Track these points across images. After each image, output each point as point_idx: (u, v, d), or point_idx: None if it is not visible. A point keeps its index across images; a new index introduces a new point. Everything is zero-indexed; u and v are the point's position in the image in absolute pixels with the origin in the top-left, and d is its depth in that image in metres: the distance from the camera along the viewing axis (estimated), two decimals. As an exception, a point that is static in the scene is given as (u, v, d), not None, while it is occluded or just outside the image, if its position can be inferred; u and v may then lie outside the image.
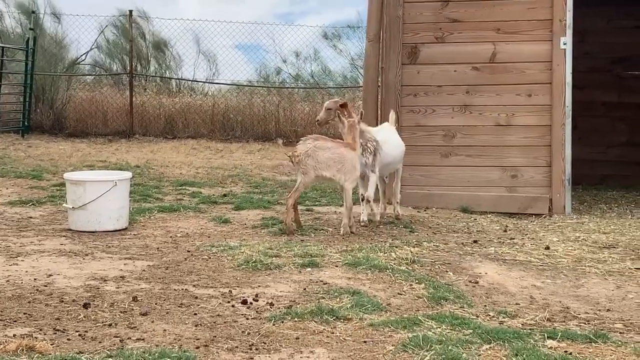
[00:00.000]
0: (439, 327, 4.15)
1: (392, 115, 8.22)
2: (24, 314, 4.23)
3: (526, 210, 8.72)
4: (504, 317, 4.45)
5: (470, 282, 5.36)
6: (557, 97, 8.74)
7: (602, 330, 4.23)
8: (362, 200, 7.48)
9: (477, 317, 4.43)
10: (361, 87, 12.96)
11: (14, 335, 3.82)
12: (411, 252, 6.13)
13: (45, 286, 4.85)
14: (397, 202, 7.95)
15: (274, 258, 5.75)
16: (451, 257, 6.13)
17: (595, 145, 12.03)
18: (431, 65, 9.08)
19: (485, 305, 4.74)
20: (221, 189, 9.90)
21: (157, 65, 21.31)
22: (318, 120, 7.59)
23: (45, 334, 3.88)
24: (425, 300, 4.76)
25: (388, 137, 7.64)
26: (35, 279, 5.02)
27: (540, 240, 7.03)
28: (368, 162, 7.28)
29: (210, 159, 13.61)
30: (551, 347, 3.87)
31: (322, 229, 7.18)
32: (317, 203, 8.85)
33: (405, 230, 7.33)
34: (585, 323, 4.43)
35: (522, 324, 4.33)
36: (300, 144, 6.97)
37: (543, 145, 8.82)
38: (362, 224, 7.38)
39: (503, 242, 6.89)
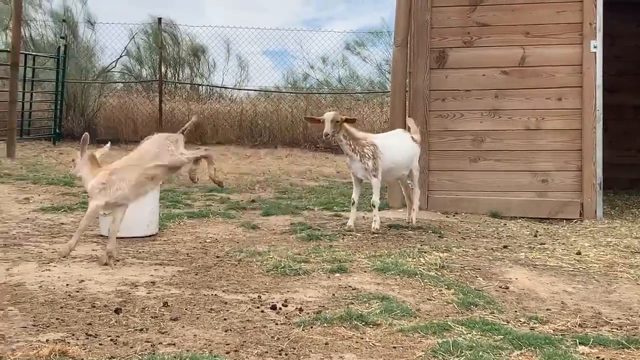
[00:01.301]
0: (469, 333, 4.13)
1: (409, 121, 8.18)
2: (57, 319, 4.27)
3: (557, 215, 8.65)
4: (535, 323, 4.42)
5: (500, 287, 5.32)
6: (588, 101, 8.67)
7: (634, 335, 4.18)
8: (372, 206, 7.42)
9: (508, 322, 4.41)
10: (389, 92, 12.95)
11: (47, 341, 3.85)
12: (440, 258, 6.11)
13: (77, 292, 4.89)
14: (414, 209, 7.83)
15: (302, 263, 5.76)
16: (481, 263, 6.10)
17: (626, 149, 11.93)
18: (459, 69, 9.05)
19: (515, 311, 4.70)
20: (250, 195, 9.93)
21: (190, 70, 21.44)
22: (327, 134, 7.26)
23: (77, 339, 3.91)
24: (455, 306, 4.74)
25: (391, 142, 7.55)
26: (67, 285, 5.06)
27: (572, 245, 6.97)
28: (368, 167, 7.29)
29: (238, 165, 13.66)
30: (583, 353, 3.84)
31: (350, 235, 7.18)
32: (344, 209, 8.84)
33: (434, 236, 7.30)
34: (617, 328, 4.38)
35: (553, 330, 4.29)
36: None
37: (574, 150, 8.76)
38: (372, 230, 7.30)
39: (533, 248, 6.84)
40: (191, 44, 21.18)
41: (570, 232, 7.74)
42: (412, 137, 7.81)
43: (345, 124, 7.34)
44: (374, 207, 7.39)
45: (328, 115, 7.30)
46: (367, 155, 7.28)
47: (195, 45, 21.12)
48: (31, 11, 20.63)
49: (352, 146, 7.32)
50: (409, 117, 8.41)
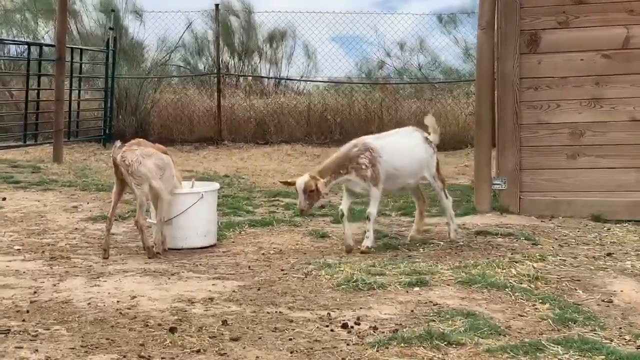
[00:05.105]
0: (566, 353, 4.09)
1: (428, 119, 7.63)
2: (107, 339, 4.38)
3: (670, 217, 8.47)
4: (642, 341, 4.36)
5: (603, 301, 5.25)
6: None
7: None
8: (366, 219, 7.02)
9: (611, 341, 4.35)
10: (474, 80, 12.86)
11: (96, 363, 3.97)
12: (534, 268, 6.05)
13: (129, 309, 5.01)
14: (448, 223, 7.50)
15: (377, 276, 5.77)
16: (581, 273, 6.02)
17: None
18: (554, 53, 8.92)
19: (620, 328, 4.64)
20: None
21: (253, 61, 21.45)
22: (303, 209, 6.86)
23: (129, 361, 4.02)
24: (551, 323, 4.70)
25: (393, 142, 7.17)
26: (118, 301, 5.18)
27: (687, 252, 6.83)
28: (367, 177, 6.88)
29: (306, 166, 13.72)
30: (698, 376, 3.77)
31: (432, 243, 7.16)
32: (426, 213, 8.81)
33: (527, 243, 7.23)
34: None
35: (663, 350, 4.23)
36: (125, 151, 6.74)
37: (688, 142, 8.57)
38: (362, 248, 6.91)
39: (642, 255, 6.73)
40: (261, 31, 21.22)
41: (686, 238, 7.58)
42: (425, 137, 7.36)
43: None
44: (369, 220, 7.00)
45: (299, 184, 6.80)
46: (363, 165, 6.89)
47: (271, 31, 21.10)
48: (76, 2, 21.02)
49: (343, 170, 6.92)
50: (431, 115, 8.00)
